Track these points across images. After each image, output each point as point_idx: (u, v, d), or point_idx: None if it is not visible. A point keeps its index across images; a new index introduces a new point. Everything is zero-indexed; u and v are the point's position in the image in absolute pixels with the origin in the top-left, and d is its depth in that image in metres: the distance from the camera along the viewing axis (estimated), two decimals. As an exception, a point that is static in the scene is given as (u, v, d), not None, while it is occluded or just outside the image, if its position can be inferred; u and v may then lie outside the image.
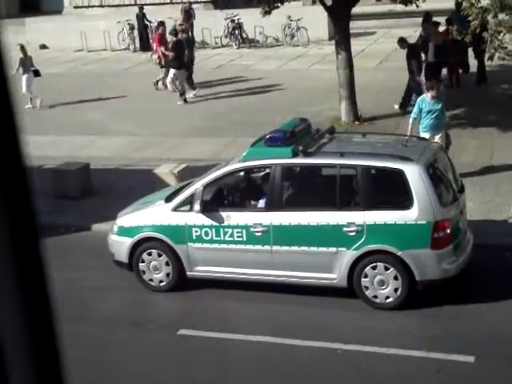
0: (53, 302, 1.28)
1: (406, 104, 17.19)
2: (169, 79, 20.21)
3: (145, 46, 28.08)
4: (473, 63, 19.18)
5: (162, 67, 21.00)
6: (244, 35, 28.07)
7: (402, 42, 17.80)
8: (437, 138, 12.36)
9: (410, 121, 12.83)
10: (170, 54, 20.23)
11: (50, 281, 1.27)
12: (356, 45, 19.07)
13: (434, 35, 18.32)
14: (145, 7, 29.36)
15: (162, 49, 20.92)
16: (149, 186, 12.23)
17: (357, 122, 16.59)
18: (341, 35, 16.80)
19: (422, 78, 16.76)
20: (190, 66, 20.70)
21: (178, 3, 29.85)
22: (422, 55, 17.89)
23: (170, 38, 21.33)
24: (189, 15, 27.82)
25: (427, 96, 12.84)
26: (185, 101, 19.75)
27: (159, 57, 21.07)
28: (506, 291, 9.24)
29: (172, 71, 19.99)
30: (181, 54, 20.07)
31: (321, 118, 16.26)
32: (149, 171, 13.45)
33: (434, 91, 12.78)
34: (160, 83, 21.20)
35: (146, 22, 28.32)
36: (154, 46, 22.45)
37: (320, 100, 18.55)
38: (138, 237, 10.09)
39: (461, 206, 9.76)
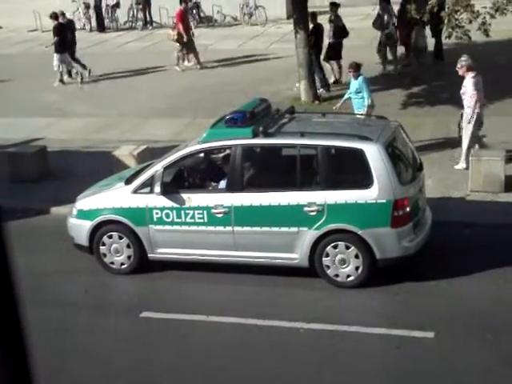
0: (17, 286, 1.25)
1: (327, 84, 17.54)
2: (55, 62, 20.14)
3: (101, 26, 27.67)
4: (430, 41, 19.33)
5: (179, 44, 20.76)
6: (202, 14, 27.87)
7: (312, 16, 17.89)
8: None
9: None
10: (172, 34, 20.41)
11: (13, 265, 1.25)
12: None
13: (335, 17, 18.54)
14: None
15: (180, 26, 20.72)
16: (108, 168, 12.11)
17: (316, 102, 16.62)
18: (299, 14, 16.78)
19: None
20: (72, 48, 21.01)
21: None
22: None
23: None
24: None
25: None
26: (61, 82, 20.20)
27: (179, 33, 20.71)
28: (465, 267, 9.40)
29: (56, 56, 20.11)
30: (63, 37, 20.23)
31: (280, 97, 16.26)
32: (108, 153, 13.31)
33: (350, 72, 13.25)
34: (181, 61, 21.00)
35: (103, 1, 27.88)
36: (175, 21, 21.72)
37: (279, 80, 18.54)
38: (98, 219, 10.01)
39: (420, 184, 9.87)
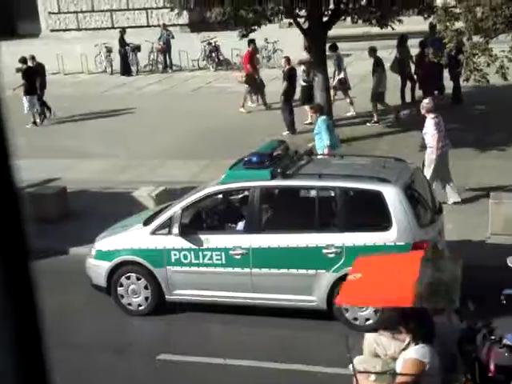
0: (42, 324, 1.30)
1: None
2: (25, 105, 20.57)
3: (126, 70, 27.92)
4: (448, 85, 19.40)
5: (248, 85, 20.77)
6: (221, 57, 28.19)
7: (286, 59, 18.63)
8: None
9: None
10: (240, 75, 20.75)
11: (39, 304, 1.30)
12: (332, 67, 19.19)
13: (306, 62, 18.90)
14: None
15: (248, 67, 20.84)
16: (127, 209, 12.16)
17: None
18: (317, 57, 16.94)
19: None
20: (42, 92, 21.54)
21: (155, 26, 29.96)
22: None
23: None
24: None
25: None
26: (34, 124, 20.74)
27: (247, 74, 20.78)
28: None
29: (24, 98, 20.51)
30: (31, 80, 20.77)
31: (298, 139, 16.32)
32: (127, 194, 13.39)
33: (313, 113, 13.85)
34: (249, 102, 21.11)
35: (128, 46, 28.16)
36: (243, 63, 21.92)
37: (297, 121, 18.63)
38: (117, 260, 10.02)
39: (439, 227, 9.81)
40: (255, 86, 21.00)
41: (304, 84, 18.84)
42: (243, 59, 21.82)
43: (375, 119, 18.41)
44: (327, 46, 17.83)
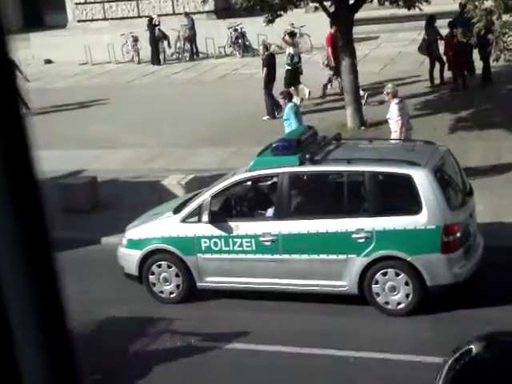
0: (67, 314, 1.32)
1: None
2: None
3: (157, 59, 27.87)
4: (478, 65, 19.16)
5: (329, 68, 19.75)
6: (247, 44, 28.11)
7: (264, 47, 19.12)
8: None
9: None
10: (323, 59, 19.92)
11: (64, 294, 1.32)
12: (359, 49, 19.04)
13: (289, 45, 19.07)
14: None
15: (329, 50, 19.67)
16: (157, 197, 12.23)
17: (363, 128, 16.57)
18: (344, 41, 16.81)
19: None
20: None
21: (180, 14, 29.95)
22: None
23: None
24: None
25: None
26: None
27: (328, 57, 19.66)
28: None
29: None
30: None
31: (326, 124, 16.25)
32: (156, 183, 13.46)
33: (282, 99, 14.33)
34: (329, 86, 20.12)
35: (159, 32, 28.00)
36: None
37: (326, 105, 18.54)
38: (148, 249, 10.10)
39: (470, 209, 9.72)
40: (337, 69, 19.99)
41: (289, 68, 19.01)
42: (325, 42, 20.21)
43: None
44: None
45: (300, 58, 19.61)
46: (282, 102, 14.16)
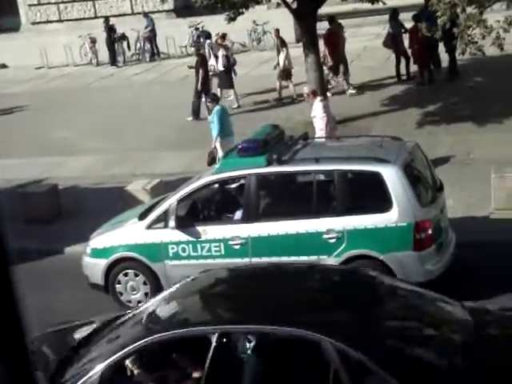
0: (24, 327, 1.34)
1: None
2: None
3: (114, 59, 27.48)
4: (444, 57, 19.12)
5: (327, 68, 18.96)
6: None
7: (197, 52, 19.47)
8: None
9: None
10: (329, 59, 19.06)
11: (20, 306, 1.33)
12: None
13: (221, 47, 19.41)
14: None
15: (327, 49, 18.92)
16: (121, 204, 11.91)
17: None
18: (308, 37, 16.64)
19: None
20: None
21: (139, 13, 29.51)
22: None
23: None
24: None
25: None
26: None
27: (323, 56, 18.71)
28: (491, 290, 9.06)
29: None
30: None
31: (292, 123, 16.05)
32: (120, 188, 13.11)
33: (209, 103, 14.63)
34: (333, 81, 19.52)
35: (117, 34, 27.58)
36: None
37: (289, 104, 18.35)
38: (113, 257, 9.81)
39: (441, 204, 9.59)
40: (330, 69, 19.27)
41: (222, 69, 19.07)
42: (323, 40, 19.07)
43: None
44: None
45: (235, 60, 19.58)
46: (210, 105, 14.40)
